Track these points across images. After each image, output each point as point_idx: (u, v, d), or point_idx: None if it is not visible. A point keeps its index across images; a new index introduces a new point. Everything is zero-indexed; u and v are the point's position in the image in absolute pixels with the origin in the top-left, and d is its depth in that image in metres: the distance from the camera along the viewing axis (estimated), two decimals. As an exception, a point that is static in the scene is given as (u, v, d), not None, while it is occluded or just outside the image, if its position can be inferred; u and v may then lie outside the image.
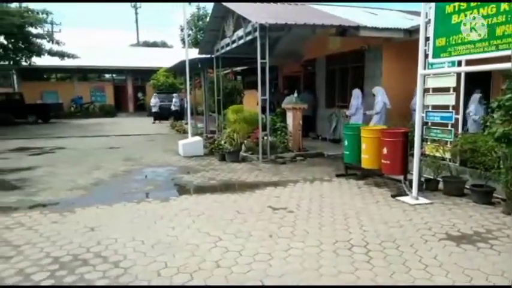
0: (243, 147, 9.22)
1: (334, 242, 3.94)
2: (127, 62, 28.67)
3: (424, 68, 5.48)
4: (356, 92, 9.40)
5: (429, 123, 6.22)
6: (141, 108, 29.30)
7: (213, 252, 3.73)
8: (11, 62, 18.82)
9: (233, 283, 3.11)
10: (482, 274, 3.19)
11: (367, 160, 6.35)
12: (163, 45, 47.40)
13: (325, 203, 5.37)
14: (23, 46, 17.36)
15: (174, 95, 21.60)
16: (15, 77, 26.14)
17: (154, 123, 20.23)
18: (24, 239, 4.12)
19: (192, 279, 3.19)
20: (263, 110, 8.95)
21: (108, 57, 28.16)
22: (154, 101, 21.44)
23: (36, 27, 16.99)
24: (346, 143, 6.87)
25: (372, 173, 6.59)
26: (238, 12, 9.06)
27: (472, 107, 7.64)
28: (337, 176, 7.00)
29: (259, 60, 8.09)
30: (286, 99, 11.11)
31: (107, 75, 32.86)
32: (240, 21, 9.19)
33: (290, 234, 4.18)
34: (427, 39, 5.28)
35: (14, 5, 16.32)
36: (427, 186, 5.84)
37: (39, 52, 18.03)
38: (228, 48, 10.48)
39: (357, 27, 8.45)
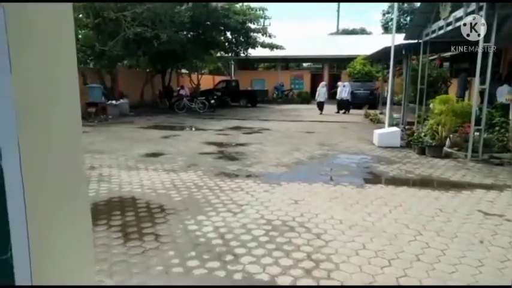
0: (448, 142, 8.34)
1: None
2: (324, 51, 29.72)
3: None
4: None
5: None
6: (334, 96, 30.05)
7: (412, 245, 3.64)
8: (233, 54, 22.54)
9: (435, 280, 2.98)
10: None
11: None
12: (362, 32, 46.78)
13: (560, 218, 4.38)
14: (243, 40, 20.52)
15: (345, 83, 19.98)
16: (232, 66, 31.09)
17: (321, 113, 18.52)
18: (244, 200, 5.01)
19: (390, 265, 3.22)
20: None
21: (307, 47, 29.89)
22: (321, 90, 19.33)
23: (254, 23, 19.69)
24: None
25: None
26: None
27: None
28: None
29: (481, 44, 7.05)
30: (500, 89, 9.49)
31: (305, 64, 35.04)
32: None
33: (508, 244, 3.64)
34: None
35: (239, 4, 19.42)
36: None
37: (254, 44, 20.91)
38: (441, 31, 9.48)
39: None
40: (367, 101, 21.05)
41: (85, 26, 15.83)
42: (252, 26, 19.84)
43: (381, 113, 16.09)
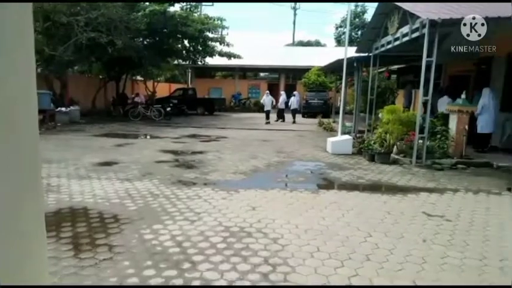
0: (395, 149, 8.86)
1: (501, 259, 3.55)
2: (281, 61, 30.41)
3: None
4: (484, 91, 9.03)
5: None
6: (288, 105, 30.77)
7: (362, 246, 3.84)
8: (190, 62, 22.41)
9: (384, 278, 3.17)
10: None
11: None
12: (317, 44, 48.45)
13: (491, 217, 4.82)
14: (200, 48, 20.48)
15: (295, 93, 20.58)
16: (189, 74, 30.87)
17: (267, 123, 18.39)
18: (202, 208, 5.00)
19: (343, 266, 3.38)
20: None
21: (264, 57, 30.42)
22: (266, 99, 19.19)
23: (212, 32, 19.74)
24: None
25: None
26: (405, 8, 8.69)
27: None
28: (510, 190, 6.11)
29: (424, 59, 7.62)
30: (440, 100, 10.27)
31: (262, 74, 35.60)
32: (407, 17, 8.79)
33: (447, 242, 3.95)
34: None
35: (197, 13, 19.42)
36: None
37: (212, 53, 20.92)
38: (389, 46, 10.14)
39: None
40: (321, 110, 21.76)
41: (34, 30, 15.05)
42: (210, 35, 19.89)
43: (334, 122, 16.73)
